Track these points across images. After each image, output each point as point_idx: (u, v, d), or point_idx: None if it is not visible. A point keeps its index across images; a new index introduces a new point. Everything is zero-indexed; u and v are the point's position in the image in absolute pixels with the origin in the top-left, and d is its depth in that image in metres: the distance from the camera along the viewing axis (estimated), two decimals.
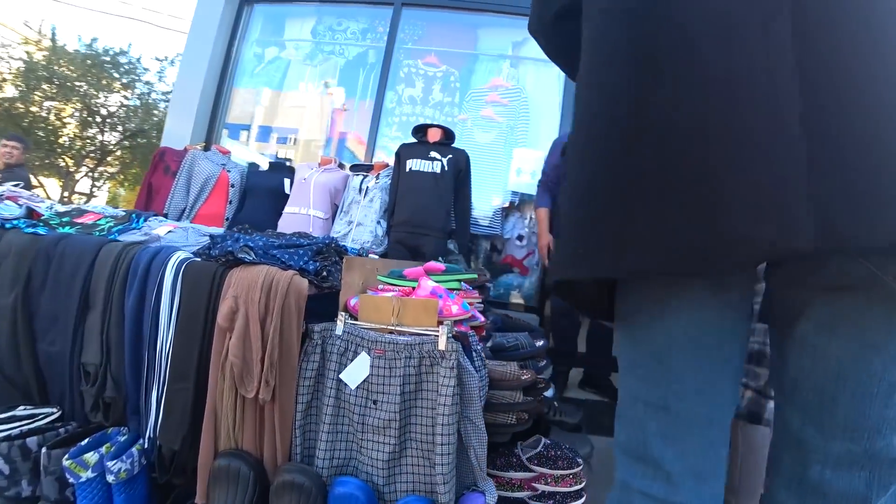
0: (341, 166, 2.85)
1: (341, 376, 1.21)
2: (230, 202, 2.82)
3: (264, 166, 3.09)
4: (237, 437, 1.21)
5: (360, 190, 2.61)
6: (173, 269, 1.21)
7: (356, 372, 1.21)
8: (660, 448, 0.57)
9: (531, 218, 3.29)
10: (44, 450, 1.19)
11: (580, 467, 1.32)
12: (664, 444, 0.56)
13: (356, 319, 1.28)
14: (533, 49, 3.11)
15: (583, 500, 1.32)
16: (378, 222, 2.61)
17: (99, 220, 1.59)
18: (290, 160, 3.42)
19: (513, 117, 3.05)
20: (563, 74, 3.11)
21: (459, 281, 1.51)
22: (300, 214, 2.64)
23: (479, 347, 1.27)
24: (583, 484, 1.32)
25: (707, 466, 0.56)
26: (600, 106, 0.57)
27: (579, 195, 0.58)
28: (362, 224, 2.58)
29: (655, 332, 0.57)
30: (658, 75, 0.53)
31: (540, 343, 1.51)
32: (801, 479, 0.57)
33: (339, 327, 1.24)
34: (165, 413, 1.22)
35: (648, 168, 0.52)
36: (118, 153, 11.59)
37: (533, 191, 3.14)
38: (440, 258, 2.82)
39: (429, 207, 2.58)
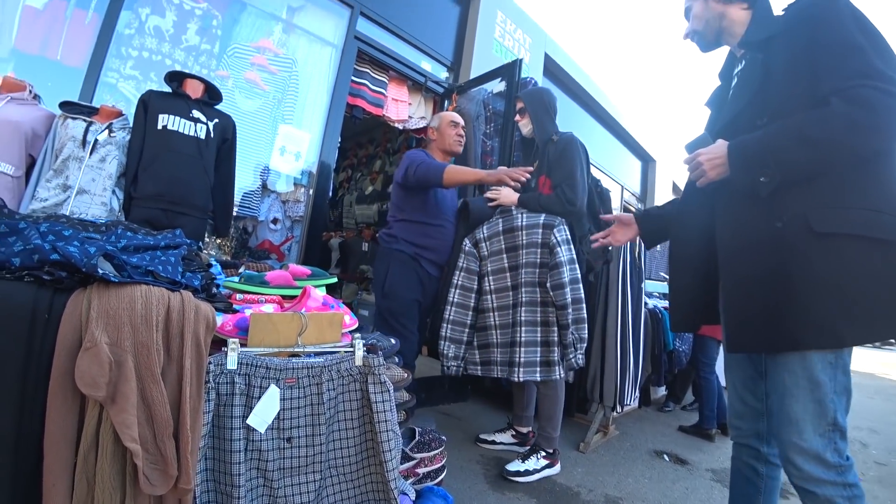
0: (36, 98, 1.81)
1: (249, 421, 0.94)
2: None
3: None
4: None
5: (85, 143, 1.75)
6: None
7: (265, 411, 0.98)
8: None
9: (288, 201, 3.07)
10: None
11: (444, 443, 1.52)
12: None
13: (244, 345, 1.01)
14: (309, 20, 2.85)
15: (445, 468, 1.52)
16: (113, 191, 1.85)
17: None
18: None
19: (281, 89, 2.71)
20: (337, 56, 3.01)
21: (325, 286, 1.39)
22: None
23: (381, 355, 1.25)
24: (446, 455, 1.53)
25: None
26: None
27: None
28: (88, 192, 1.76)
29: None
30: None
31: (393, 341, 1.57)
32: None
33: (233, 359, 0.95)
34: None
35: None
36: None
37: (294, 172, 2.94)
38: (199, 243, 2.30)
39: (190, 180, 2.03)
